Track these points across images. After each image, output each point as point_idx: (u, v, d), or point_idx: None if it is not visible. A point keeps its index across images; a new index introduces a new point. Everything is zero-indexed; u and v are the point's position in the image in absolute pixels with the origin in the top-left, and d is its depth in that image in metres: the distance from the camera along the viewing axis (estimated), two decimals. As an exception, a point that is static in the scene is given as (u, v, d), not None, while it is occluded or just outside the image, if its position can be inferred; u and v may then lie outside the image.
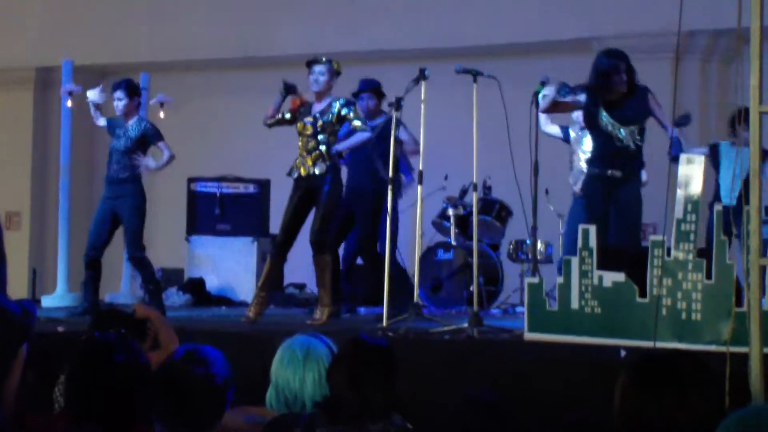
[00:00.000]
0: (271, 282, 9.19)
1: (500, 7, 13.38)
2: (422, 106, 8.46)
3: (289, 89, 9.05)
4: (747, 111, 8.68)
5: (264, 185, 11.99)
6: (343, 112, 8.82)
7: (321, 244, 8.74)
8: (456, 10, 13.54)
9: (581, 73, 13.20)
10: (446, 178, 11.62)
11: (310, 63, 9.03)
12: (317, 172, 8.76)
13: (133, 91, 9.75)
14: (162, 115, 11.85)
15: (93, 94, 10.10)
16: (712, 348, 6.22)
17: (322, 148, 8.80)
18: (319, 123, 8.82)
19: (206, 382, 3.84)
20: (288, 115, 9.02)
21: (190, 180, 12.77)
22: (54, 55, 14.02)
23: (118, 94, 9.60)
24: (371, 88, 10.10)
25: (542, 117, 8.94)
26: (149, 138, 9.62)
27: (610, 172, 8.24)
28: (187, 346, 3.98)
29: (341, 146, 8.88)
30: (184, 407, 3.81)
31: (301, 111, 8.96)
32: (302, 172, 8.83)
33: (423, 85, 8.40)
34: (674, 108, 9.59)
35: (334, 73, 9.01)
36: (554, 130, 9.89)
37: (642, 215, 8.40)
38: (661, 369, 3.38)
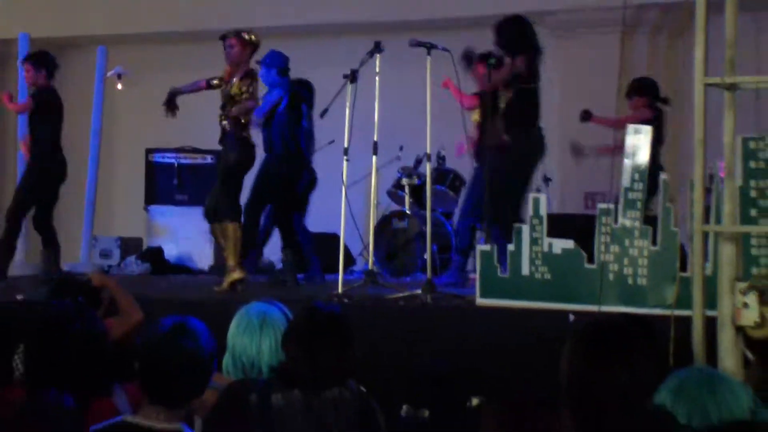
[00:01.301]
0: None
1: (453, -19, 13.39)
2: (377, 78, 8.45)
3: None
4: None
5: (220, 156, 11.98)
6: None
7: (215, 212, 8.86)
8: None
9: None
10: (401, 149, 11.65)
11: (222, 37, 9.11)
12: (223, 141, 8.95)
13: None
14: (119, 86, 11.81)
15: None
16: (657, 312, 6.29)
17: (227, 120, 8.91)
18: (225, 95, 8.94)
19: (195, 355, 3.83)
20: (215, 82, 9.16)
21: (148, 151, 12.73)
22: (11, 28, 13.89)
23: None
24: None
25: None
26: None
27: None
28: (175, 318, 3.94)
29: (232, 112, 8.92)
30: (173, 380, 3.79)
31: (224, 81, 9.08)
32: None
33: (377, 58, 8.40)
34: (620, 80, 9.70)
35: (247, 44, 9.03)
36: None
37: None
38: (608, 332, 3.40)
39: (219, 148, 9.20)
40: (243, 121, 8.88)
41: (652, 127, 7.09)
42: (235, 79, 8.93)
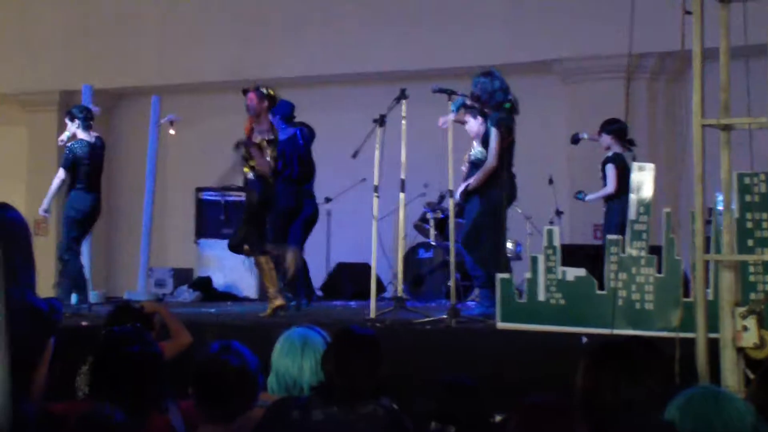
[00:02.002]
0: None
1: (470, 34, 13.39)
2: (403, 122, 8.45)
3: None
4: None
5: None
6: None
7: (240, 246, 8.97)
8: (431, 37, 13.54)
9: (542, 91, 13.31)
10: (426, 186, 11.62)
11: (243, 91, 9.21)
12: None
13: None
14: (172, 132, 11.84)
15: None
16: (663, 334, 6.22)
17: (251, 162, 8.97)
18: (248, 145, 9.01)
19: (242, 371, 3.86)
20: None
21: (198, 189, 12.77)
22: (75, 80, 13.99)
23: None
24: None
25: None
26: None
27: None
28: (221, 342, 4.01)
29: None
30: (224, 395, 3.82)
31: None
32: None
33: (403, 103, 8.39)
34: (626, 121, 9.67)
35: (264, 98, 9.06)
36: None
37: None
38: (618, 353, 3.38)
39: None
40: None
41: None
42: (256, 133, 9.00)
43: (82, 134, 9.56)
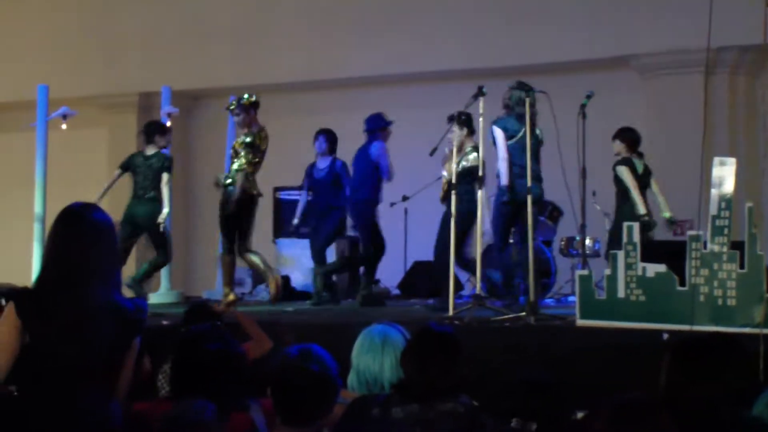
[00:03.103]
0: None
1: (545, 30, 13.34)
2: (481, 119, 8.43)
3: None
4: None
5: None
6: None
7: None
8: (508, 34, 13.51)
9: (620, 86, 13.20)
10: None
11: (228, 108, 9.66)
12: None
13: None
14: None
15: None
16: (746, 330, 6.16)
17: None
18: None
19: (323, 377, 3.84)
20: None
21: (276, 189, 12.86)
22: (153, 82, 14.19)
23: None
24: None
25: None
26: None
27: None
28: (300, 346, 3.98)
29: None
30: (304, 402, 3.80)
31: None
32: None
33: (481, 100, 8.38)
34: (705, 117, 9.55)
35: (249, 106, 9.50)
36: None
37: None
38: (702, 350, 3.35)
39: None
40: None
41: None
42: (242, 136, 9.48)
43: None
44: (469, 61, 13.60)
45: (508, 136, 8.52)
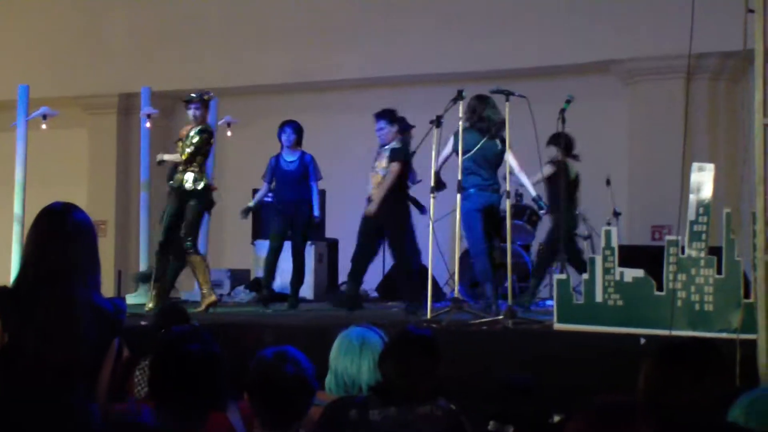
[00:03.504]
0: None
1: (528, 35, 13.36)
2: (460, 123, 8.44)
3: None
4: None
5: (320, 195, 12.01)
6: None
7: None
8: (489, 38, 13.52)
9: (601, 92, 13.24)
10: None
11: (187, 101, 9.63)
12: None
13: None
14: (229, 133, 11.94)
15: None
16: (724, 335, 6.18)
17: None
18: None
19: (299, 378, 3.80)
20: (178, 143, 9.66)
21: (255, 191, 12.81)
22: (134, 83, 14.14)
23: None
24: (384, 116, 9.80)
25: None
26: None
27: None
28: (274, 348, 3.93)
29: None
30: (280, 403, 3.77)
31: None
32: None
33: (460, 104, 8.38)
34: (686, 123, 9.58)
35: (207, 104, 9.66)
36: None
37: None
38: (681, 354, 3.36)
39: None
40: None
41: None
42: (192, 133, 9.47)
43: None
44: (451, 65, 13.61)
45: (465, 150, 8.57)
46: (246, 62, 14.89)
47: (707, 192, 6.67)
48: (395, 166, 9.22)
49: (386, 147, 9.41)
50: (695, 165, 6.87)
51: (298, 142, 10.30)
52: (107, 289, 12.67)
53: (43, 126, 11.69)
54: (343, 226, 11.69)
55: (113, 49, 15.67)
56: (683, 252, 6.65)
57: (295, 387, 3.75)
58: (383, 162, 9.35)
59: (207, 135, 9.50)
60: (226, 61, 14.98)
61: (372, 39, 14.18)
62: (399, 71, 14.09)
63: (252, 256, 12.64)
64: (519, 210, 11.36)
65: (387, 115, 9.40)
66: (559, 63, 13.25)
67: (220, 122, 11.87)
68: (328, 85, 14.59)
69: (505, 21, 13.55)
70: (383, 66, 14.12)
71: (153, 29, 15.51)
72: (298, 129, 10.28)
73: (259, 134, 13.33)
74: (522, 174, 8.78)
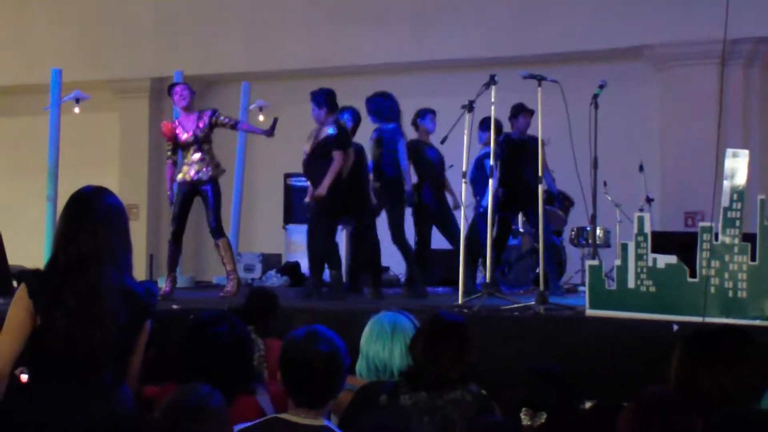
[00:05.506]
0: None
1: (559, 20, 13.30)
2: (492, 108, 8.41)
3: None
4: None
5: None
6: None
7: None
8: (521, 24, 13.47)
9: (633, 77, 13.16)
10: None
11: (172, 86, 9.43)
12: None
13: None
14: (261, 118, 11.95)
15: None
16: (757, 322, 6.14)
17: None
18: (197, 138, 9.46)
19: (331, 355, 3.73)
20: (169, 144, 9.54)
21: (286, 175, 12.86)
22: (166, 67, 14.19)
23: None
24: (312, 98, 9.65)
25: None
26: None
27: None
28: (305, 328, 3.85)
29: None
30: (314, 382, 3.71)
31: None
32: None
33: (493, 89, 8.35)
34: (720, 109, 9.52)
35: (193, 91, 9.57)
36: None
37: None
38: (713, 341, 3.35)
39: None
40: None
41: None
42: (202, 124, 9.46)
43: None
44: (482, 51, 13.57)
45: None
46: (273, 46, 14.90)
47: (741, 178, 6.61)
48: (337, 155, 9.18)
49: (324, 129, 9.32)
50: (729, 151, 6.81)
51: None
52: (139, 272, 12.76)
53: (76, 110, 11.75)
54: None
55: (145, 33, 15.72)
56: (717, 238, 6.60)
57: (328, 364, 3.71)
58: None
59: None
60: (255, 45, 15.01)
61: (399, 23, 14.15)
62: (425, 56, 14.07)
63: (283, 240, 12.66)
64: (551, 195, 11.31)
65: (313, 97, 9.37)
66: (591, 48, 13.19)
67: (252, 106, 11.88)
68: (355, 69, 14.56)
69: (537, 6, 13.49)
70: (409, 51, 14.10)
71: (184, 13, 15.57)
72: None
73: (289, 119, 13.36)
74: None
